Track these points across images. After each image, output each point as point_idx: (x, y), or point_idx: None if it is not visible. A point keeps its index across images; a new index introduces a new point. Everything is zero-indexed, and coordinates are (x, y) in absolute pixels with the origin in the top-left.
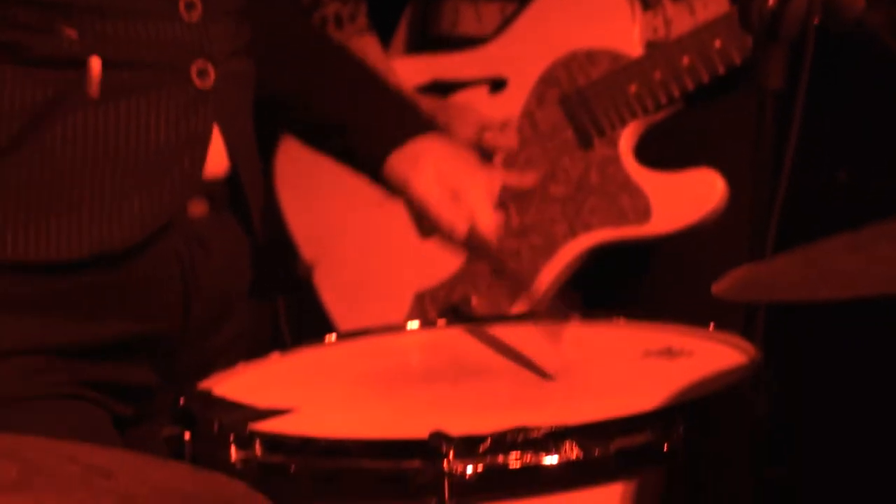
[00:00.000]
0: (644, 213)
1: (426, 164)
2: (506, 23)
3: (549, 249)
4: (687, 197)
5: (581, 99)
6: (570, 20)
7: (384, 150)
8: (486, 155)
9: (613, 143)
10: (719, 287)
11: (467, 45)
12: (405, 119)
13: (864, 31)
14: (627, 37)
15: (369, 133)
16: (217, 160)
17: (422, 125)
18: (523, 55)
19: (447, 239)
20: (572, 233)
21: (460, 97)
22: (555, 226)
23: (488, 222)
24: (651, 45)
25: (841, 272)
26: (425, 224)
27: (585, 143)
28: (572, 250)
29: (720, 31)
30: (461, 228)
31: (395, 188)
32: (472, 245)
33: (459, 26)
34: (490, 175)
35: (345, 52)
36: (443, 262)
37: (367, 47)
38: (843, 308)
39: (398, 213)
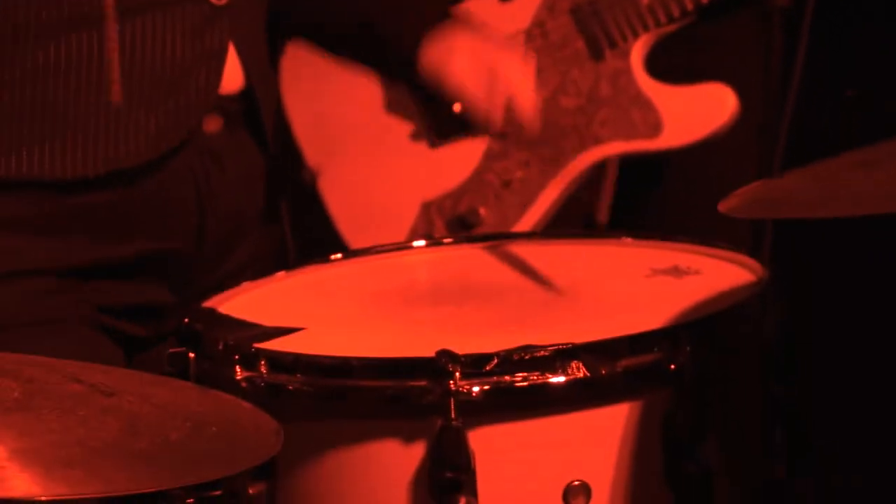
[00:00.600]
0: (655, 127)
1: (462, 47)
2: None
3: (559, 161)
4: (698, 111)
5: (593, 9)
6: None
7: (415, 40)
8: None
9: (625, 55)
10: (727, 204)
11: None
12: (433, 11)
13: None
14: None
15: (398, 27)
16: (232, 76)
17: (450, 15)
18: None
19: (483, 130)
20: (582, 145)
21: (469, 6)
22: (565, 137)
23: (529, 105)
24: None
25: (849, 190)
26: (447, 120)
27: (596, 54)
28: (582, 162)
29: None
30: (498, 118)
31: (428, 80)
32: (509, 136)
33: None
34: (525, 56)
35: None
36: (450, 172)
37: None
38: (851, 225)
39: (406, 119)
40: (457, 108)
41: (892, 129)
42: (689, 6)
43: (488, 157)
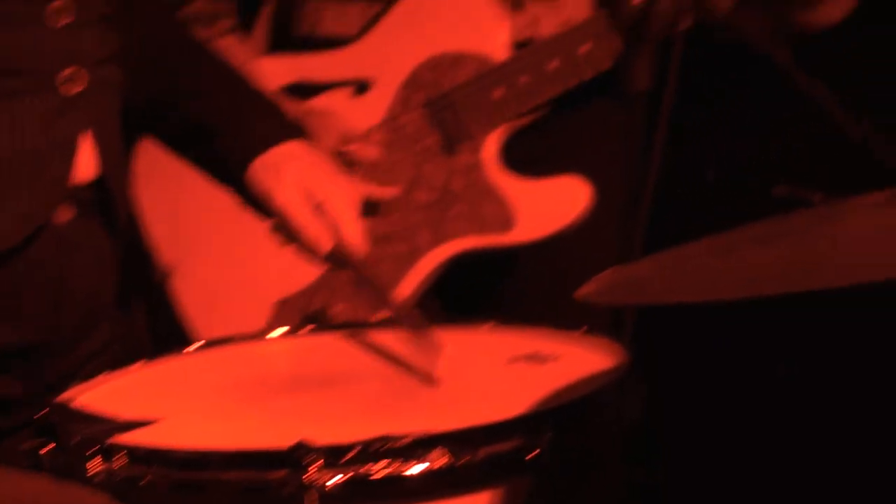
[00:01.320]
0: (507, 221)
1: (288, 174)
2: (370, 24)
3: (412, 257)
4: (551, 204)
5: (446, 103)
6: (436, 22)
7: (246, 156)
8: (347, 165)
9: (478, 149)
10: (585, 290)
11: (331, 45)
12: (269, 125)
13: (732, 30)
14: (493, 39)
15: (232, 139)
16: (86, 166)
17: (286, 131)
18: (388, 57)
19: (310, 253)
20: (436, 241)
21: (323, 100)
22: (418, 233)
23: (354, 235)
24: (518, 47)
25: (707, 275)
26: (288, 233)
27: (450, 148)
28: (436, 258)
29: (589, 34)
30: (325, 243)
31: (257, 198)
32: (336, 259)
33: (322, 26)
34: (353, 184)
35: (212, 54)
36: (303, 269)
37: (233, 47)
38: (710, 310)
39: (259, 218)
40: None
41: (752, 213)
42: (543, 99)
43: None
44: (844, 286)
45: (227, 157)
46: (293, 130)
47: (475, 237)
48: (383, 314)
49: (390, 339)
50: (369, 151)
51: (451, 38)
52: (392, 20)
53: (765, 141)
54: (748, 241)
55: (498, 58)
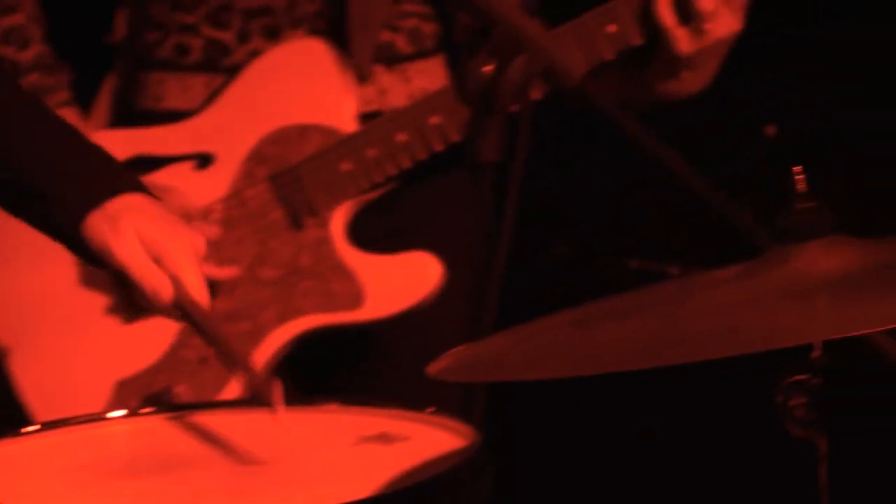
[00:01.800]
0: (357, 298)
1: (125, 226)
2: (213, 96)
3: (257, 336)
4: (401, 281)
5: (292, 177)
6: (281, 93)
7: (82, 209)
8: None
9: (325, 224)
10: (437, 367)
11: (173, 119)
12: (105, 178)
13: (583, 100)
14: (340, 111)
15: (68, 191)
16: None
17: (124, 184)
18: (231, 130)
19: (153, 307)
20: (282, 318)
21: (164, 175)
22: (264, 311)
23: (196, 286)
24: (365, 119)
25: (562, 350)
26: (129, 298)
27: (296, 223)
28: (282, 336)
29: (438, 106)
30: (165, 294)
31: (95, 254)
32: (179, 312)
33: (164, 100)
34: (195, 236)
35: (46, 109)
36: (144, 349)
37: (70, 121)
38: (563, 386)
39: (98, 294)
40: None
41: (603, 286)
42: (392, 172)
43: (185, 332)
44: (702, 361)
45: (63, 210)
46: (132, 184)
47: (323, 314)
48: (228, 393)
49: (229, 421)
50: (208, 230)
51: (295, 110)
52: (235, 92)
53: (619, 213)
54: (603, 315)
55: (345, 130)
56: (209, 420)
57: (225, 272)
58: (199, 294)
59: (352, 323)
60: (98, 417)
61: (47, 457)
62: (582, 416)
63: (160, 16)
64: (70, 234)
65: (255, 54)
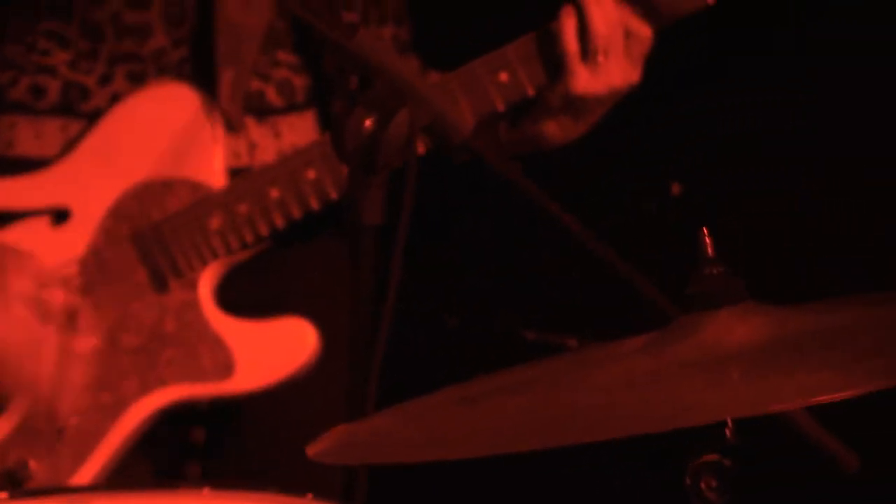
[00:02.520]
0: (226, 368)
1: None
2: (71, 144)
3: (117, 409)
4: (275, 350)
5: (155, 235)
6: (145, 143)
7: None
8: (42, 315)
9: (192, 286)
10: (316, 449)
11: (26, 168)
12: None
13: (470, 155)
14: (208, 164)
15: None
16: None
17: None
18: (89, 183)
19: None
20: (144, 389)
21: (17, 231)
22: (125, 381)
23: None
24: (233, 174)
25: (449, 429)
26: None
27: (160, 285)
28: (145, 409)
29: (314, 160)
30: None
31: None
32: None
33: (15, 146)
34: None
35: None
36: None
37: None
38: (453, 468)
39: None
40: None
41: (497, 360)
42: (265, 230)
43: (39, 399)
44: (605, 441)
45: None
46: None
47: (190, 385)
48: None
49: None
50: (68, 299)
51: (160, 162)
52: (94, 140)
53: (514, 280)
54: (495, 391)
55: (213, 185)
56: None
57: (81, 343)
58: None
59: (221, 395)
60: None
61: None
62: (474, 501)
63: (14, 56)
64: None
65: (117, 98)
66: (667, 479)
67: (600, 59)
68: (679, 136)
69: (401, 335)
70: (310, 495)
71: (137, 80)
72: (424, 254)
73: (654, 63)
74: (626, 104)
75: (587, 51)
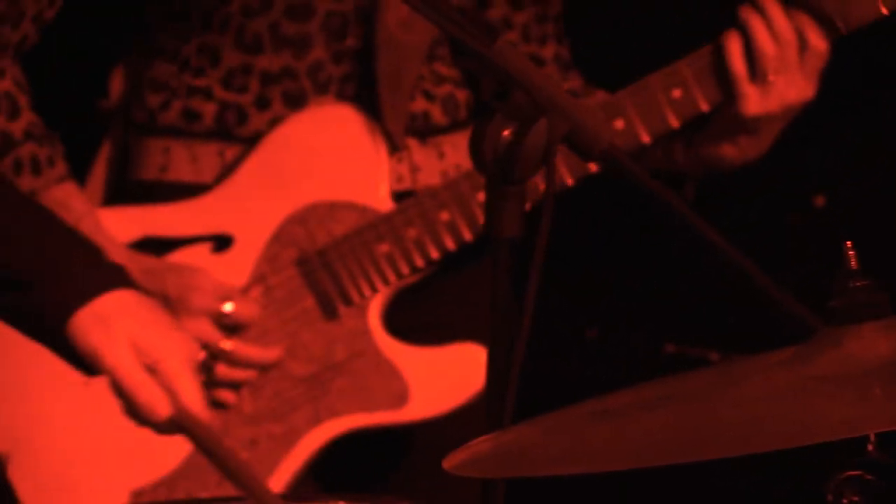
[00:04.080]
0: (400, 397)
1: (118, 331)
2: (229, 169)
3: (290, 439)
4: (449, 377)
5: (322, 261)
6: (307, 167)
7: (67, 307)
8: (228, 328)
9: (362, 313)
10: (452, 461)
11: (181, 193)
12: (91, 272)
13: (609, 164)
14: (373, 188)
15: (50, 287)
16: None
17: (111, 279)
18: (251, 208)
19: (148, 422)
20: (316, 420)
21: (179, 257)
22: (296, 411)
23: (193, 398)
24: (396, 198)
25: (589, 443)
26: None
27: (329, 313)
28: (317, 440)
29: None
30: (161, 407)
31: (81, 354)
32: (176, 427)
33: (171, 171)
34: (189, 342)
35: (22, 197)
36: (164, 454)
37: (70, 197)
38: (590, 482)
39: (105, 393)
40: None
41: (637, 373)
42: (435, 254)
43: None
44: (745, 456)
45: (45, 307)
46: (119, 278)
47: (363, 415)
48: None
49: None
50: (251, 309)
51: (324, 185)
52: (255, 165)
53: (655, 294)
54: (635, 405)
55: (380, 208)
56: None
57: (269, 354)
58: (196, 406)
59: (395, 424)
60: None
61: None
62: None
63: (165, 77)
64: (52, 332)
65: (276, 122)
66: (809, 496)
67: (771, 78)
68: (823, 147)
69: (540, 347)
70: None
71: (295, 102)
72: (565, 266)
73: None
74: None
75: (756, 72)
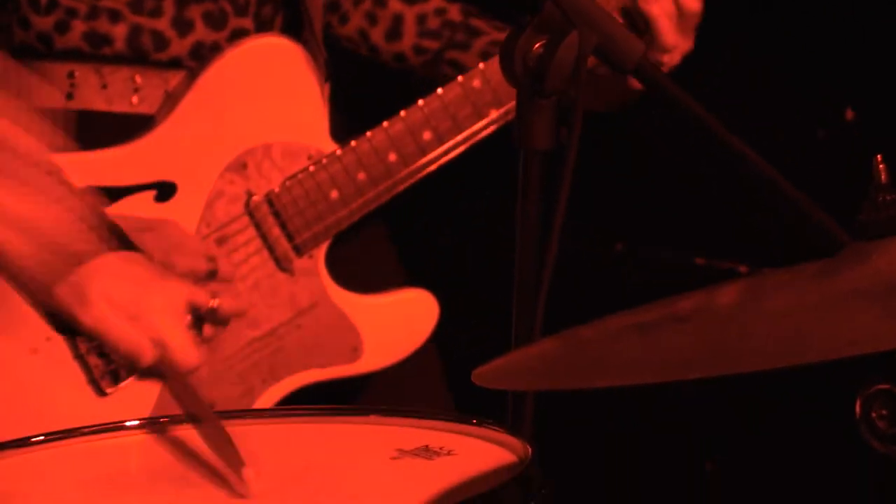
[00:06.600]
0: (354, 350)
1: (93, 294)
2: (169, 104)
3: (247, 401)
4: (400, 324)
5: (272, 209)
6: (247, 106)
7: (48, 285)
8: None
9: (314, 264)
10: (482, 373)
11: (93, 124)
12: (66, 244)
13: (643, 77)
14: (318, 127)
15: (32, 267)
16: None
17: (93, 246)
18: (192, 151)
19: (136, 371)
20: (273, 377)
21: (124, 206)
22: (252, 371)
23: (177, 340)
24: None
25: (618, 356)
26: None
27: (284, 264)
28: (272, 398)
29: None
30: (146, 353)
31: (69, 323)
32: (166, 373)
33: (78, 98)
34: (177, 288)
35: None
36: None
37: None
38: (619, 393)
39: (64, 375)
40: None
41: (667, 286)
42: (385, 199)
43: (165, 398)
44: (769, 370)
45: (31, 285)
46: (104, 244)
47: (318, 370)
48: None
49: (261, 432)
50: (229, 268)
51: (266, 126)
52: (192, 104)
53: (684, 208)
54: (666, 319)
55: (323, 149)
56: (239, 431)
57: (241, 305)
58: (183, 351)
59: (350, 376)
60: (114, 427)
61: (56, 470)
62: (642, 425)
63: None
64: (44, 306)
65: (198, 46)
66: (837, 409)
67: (665, 59)
68: (853, 62)
69: (568, 261)
70: (477, 420)
71: (217, 24)
72: (594, 179)
73: None
74: (797, 32)
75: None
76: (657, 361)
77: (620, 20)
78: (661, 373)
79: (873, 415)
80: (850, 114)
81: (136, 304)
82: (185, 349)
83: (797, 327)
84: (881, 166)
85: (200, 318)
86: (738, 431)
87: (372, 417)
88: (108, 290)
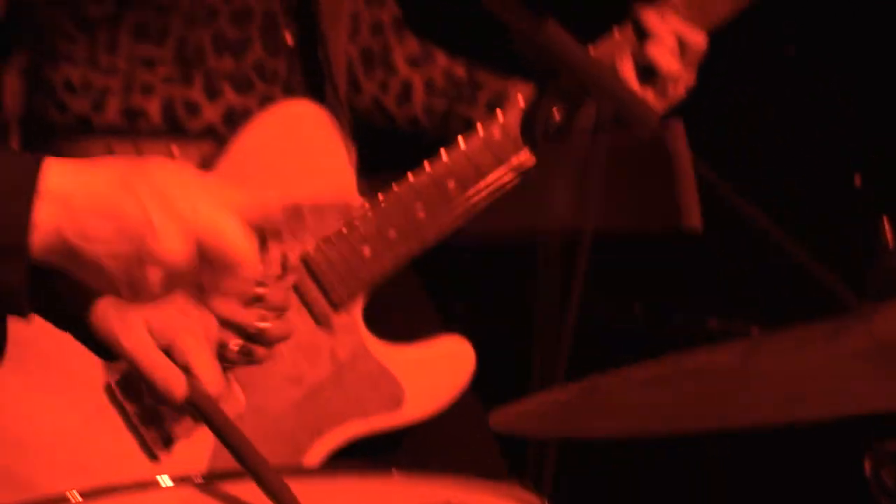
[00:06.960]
0: (395, 400)
1: (134, 315)
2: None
3: (297, 456)
4: (438, 372)
5: (309, 269)
6: (278, 169)
7: (87, 296)
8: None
9: (351, 319)
10: (498, 419)
11: None
12: None
13: (660, 144)
14: (347, 183)
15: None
16: None
17: None
18: None
19: (166, 403)
20: (318, 433)
21: None
22: (299, 428)
23: (209, 376)
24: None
25: (634, 408)
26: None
27: (322, 320)
28: (319, 453)
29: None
30: (177, 390)
31: (103, 341)
32: (198, 407)
33: None
34: (207, 320)
35: None
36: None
37: None
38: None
39: (117, 433)
40: None
41: (677, 347)
42: (417, 252)
43: (219, 457)
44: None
45: (66, 297)
46: None
47: (362, 422)
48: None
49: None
50: (282, 296)
51: (298, 188)
52: (224, 170)
53: (698, 271)
54: (680, 374)
55: (353, 204)
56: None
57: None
58: (213, 382)
59: (393, 427)
60: (143, 485)
61: None
62: (656, 480)
63: (85, 79)
64: (76, 321)
65: (230, 113)
66: (847, 467)
67: (670, 90)
68: (861, 127)
69: (587, 321)
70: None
71: (244, 89)
72: (610, 245)
73: (838, 54)
74: (807, 94)
75: (652, 83)
76: (670, 414)
77: (633, 70)
78: (677, 423)
79: (882, 472)
80: (857, 179)
81: (172, 332)
82: (213, 380)
83: (807, 385)
84: (888, 229)
85: (250, 338)
86: (747, 491)
87: (394, 474)
88: (147, 313)
